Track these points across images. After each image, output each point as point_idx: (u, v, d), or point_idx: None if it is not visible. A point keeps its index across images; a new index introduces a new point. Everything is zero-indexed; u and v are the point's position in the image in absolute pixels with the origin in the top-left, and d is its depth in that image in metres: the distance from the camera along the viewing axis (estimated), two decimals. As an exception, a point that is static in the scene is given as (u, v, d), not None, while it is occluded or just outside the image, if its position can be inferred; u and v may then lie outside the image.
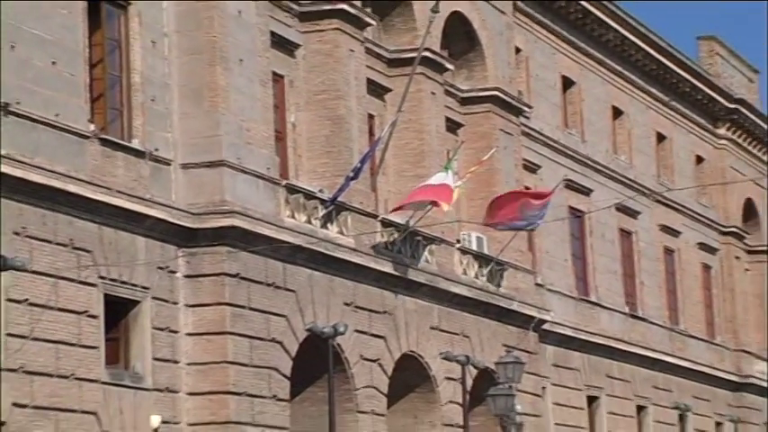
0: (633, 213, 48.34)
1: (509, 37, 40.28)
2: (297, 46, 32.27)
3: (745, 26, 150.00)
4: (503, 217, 35.75)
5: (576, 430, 42.98)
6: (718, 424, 52.69)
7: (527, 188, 39.78)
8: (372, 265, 32.29)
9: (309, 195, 30.65)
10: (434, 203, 33.16)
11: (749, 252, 56.54)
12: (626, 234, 48.17)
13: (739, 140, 56.43)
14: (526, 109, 40.63)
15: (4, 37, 24.26)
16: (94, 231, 25.57)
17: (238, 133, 28.43)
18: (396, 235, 33.45)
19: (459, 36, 37.70)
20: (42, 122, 24.73)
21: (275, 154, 30.31)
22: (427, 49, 35.23)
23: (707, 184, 53.19)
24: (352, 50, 32.76)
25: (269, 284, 28.62)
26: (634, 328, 47.40)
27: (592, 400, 44.32)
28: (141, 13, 27.44)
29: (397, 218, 33.74)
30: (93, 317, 25.40)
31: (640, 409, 47.21)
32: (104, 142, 26.27)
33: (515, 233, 37.64)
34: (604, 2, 46.12)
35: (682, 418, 48.43)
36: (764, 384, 55.48)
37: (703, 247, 53.64)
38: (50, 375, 24.11)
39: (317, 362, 28.95)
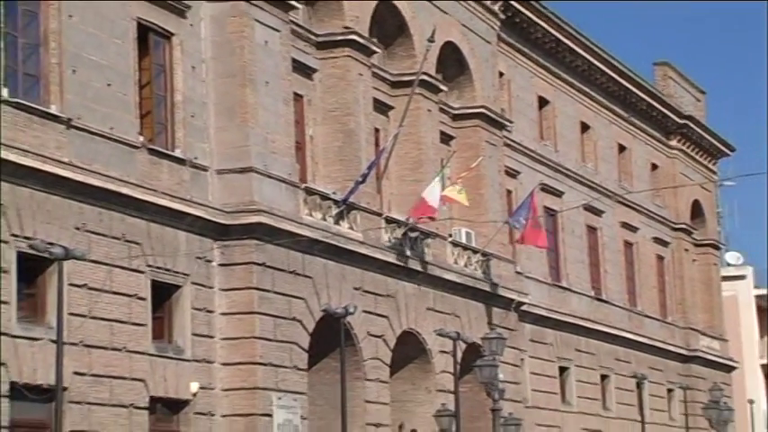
0: (598, 212, 48.30)
1: (493, 63, 40.41)
2: (314, 70, 32.41)
3: (695, 50, 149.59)
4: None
5: (549, 396, 42.96)
6: (670, 390, 52.63)
7: (509, 191, 39.87)
8: (378, 255, 32.41)
9: (324, 197, 30.82)
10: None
11: (696, 245, 56.52)
12: (592, 230, 48.15)
13: (688, 151, 56.44)
14: (508, 124, 40.66)
15: (67, 62, 24.48)
16: (143, 227, 25.78)
17: (264, 144, 28.55)
18: (397, 231, 33.60)
19: (452, 62, 37.73)
20: (99, 135, 24.96)
21: (296, 161, 30.42)
22: (424, 74, 35.31)
23: (660, 187, 53.19)
24: (360, 74, 32.95)
25: (290, 272, 28.77)
26: (598, 309, 47.40)
27: (563, 370, 44.36)
28: (183, 43, 27.67)
29: (399, 216, 33.88)
30: (142, 299, 25.66)
31: (604, 377, 47.19)
32: (151, 152, 26.53)
33: (498, 229, 37.96)
34: (574, 33, 46.12)
35: (639, 386, 48.29)
36: (709, 357, 55.51)
37: (657, 240, 53.62)
38: (106, 348, 24.39)
39: (330, 337, 28.96)
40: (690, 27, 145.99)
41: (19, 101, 23.27)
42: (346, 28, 32.50)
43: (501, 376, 34.19)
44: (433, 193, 33.10)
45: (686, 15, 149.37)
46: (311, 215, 30.01)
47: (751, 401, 65.28)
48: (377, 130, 34.28)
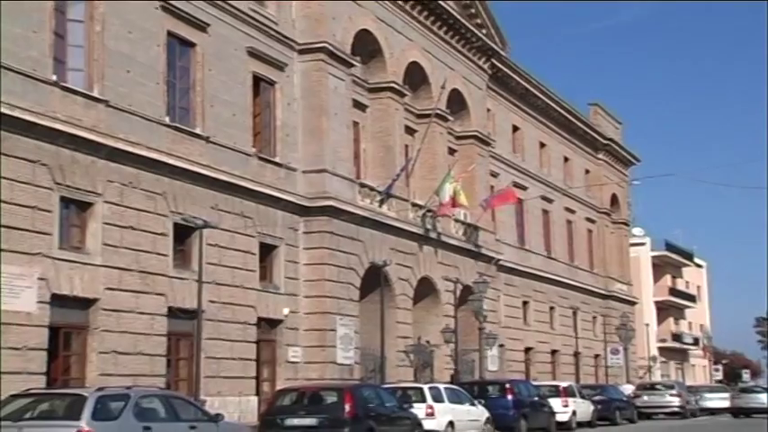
0: (550, 201, 48.10)
1: (483, 102, 40.15)
2: (366, 106, 32.33)
3: (618, 91, 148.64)
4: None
5: (516, 320, 42.90)
6: (594, 317, 52.29)
7: (492, 187, 39.88)
8: (406, 227, 32.29)
9: (371, 189, 30.73)
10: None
11: (613, 223, 56.16)
12: (546, 212, 47.99)
13: (609, 161, 56.14)
14: (492, 142, 40.39)
15: (207, 100, 24.57)
16: (254, 207, 25.81)
17: (333, 154, 28.52)
18: (419, 211, 33.50)
19: (456, 101, 37.42)
20: (227, 147, 25.07)
21: (353, 166, 30.41)
22: (438, 109, 35.27)
23: (591, 185, 52.96)
24: (396, 109, 32.84)
25: (348, 237, 28.71)
26: (549, 264, 47.35)
27: (525, 303, 44.28)
28: (282, 88, 27.65)
29: (420, 202, 33.68)
30: (253, 254, 25.71)
31: (551, 308, 47.09)
32: (260, 158, 26.58)
33: (484, 211, 37.97)
34: (536, 83, 45.82)
35: (574, 314, 48.32)
36: (620, 296, 55.49)
37: (588, 219, 53.43)
38: (229, 285, 24.50)
39: (374, 280, 29.04)
40: (617, 73, 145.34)
41: (177, 125, 23.50)
42: (388, 80, 32.39)
43: (485, 306, 34.46)
44: (444, 190, 32.90)
45: (617, 61, 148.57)
46: (363, 201, 29.96)
47: (647, 324, 65.60)
48: (406, 146, 34.13)
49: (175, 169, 22.83)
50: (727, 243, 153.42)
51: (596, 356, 51.78)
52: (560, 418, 29.05)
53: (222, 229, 24.03)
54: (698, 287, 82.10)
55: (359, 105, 31.54)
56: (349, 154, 29.78)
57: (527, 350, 44.13)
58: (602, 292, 53.88)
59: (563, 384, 32.49)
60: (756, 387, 47.74)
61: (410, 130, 34.88)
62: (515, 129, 45.37)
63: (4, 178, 18.48)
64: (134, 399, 13.42)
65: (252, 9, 26.39)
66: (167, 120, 23.10)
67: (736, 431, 30.55)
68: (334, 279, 27.83)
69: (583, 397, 32.52)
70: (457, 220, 36.45)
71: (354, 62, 29.97)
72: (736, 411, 41.44)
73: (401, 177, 31.87)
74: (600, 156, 55.18)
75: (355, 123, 31.14)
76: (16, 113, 18.68)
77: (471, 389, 26.04)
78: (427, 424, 21.18)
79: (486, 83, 40.40)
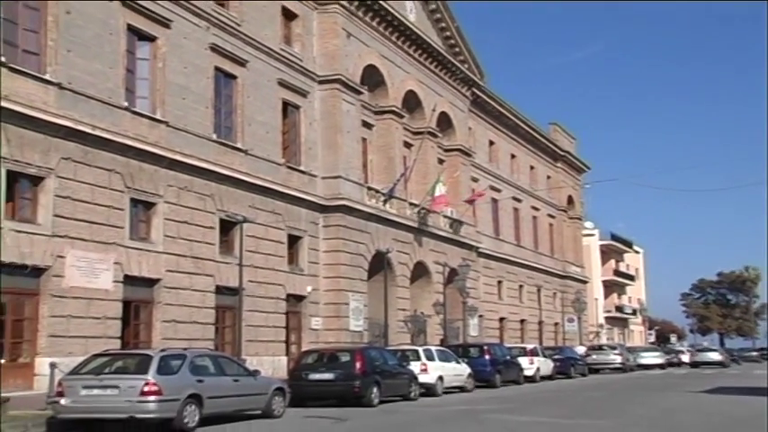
0: (519, 200, 47.94)
1: (466, 122, 39.97)
2: (372, 125, 32.22)
3: (574, 112, 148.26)
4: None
5: (492, 295, 42.74)
6: (554, 293, 52.11)
7: (473, 190, 39.86)
8: (404, 222, 32.19)
9: (377, 191, 30.63)
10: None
11: (570, 218, 55.83)
12: (516, 210, 47.85)
13: (566, 168, 55.94)
14: (473, 154, 40.33)
15: (245, 121, 24.49)
16: (283, 205, 25.76)
17: (346, 164, 28.44)
18: (415, 209, 33.42)
19: (444, 121, 37.29)
20: (261, 158, 25.02)
21: (362, 173, 30.37)
22: (430, 127, 35.20)
23: (551, 188, 52.81)
24: (396, 128, 32.76)
25: (358, 230, 28.62)
26: (518, 251, 47.11)
27: (499, 282, 44.19)
28: (305, 111, 27.56)
29: (416, 201, 33.54)
30: (282, 243, 25.67)
31: (520, 286, 46.83)
32: (288, 167, 26.50)
33: (468, 207, 37.96)
34: (508, 106, 45.64)
35: (539, 291, 48.33)
36: (575, 276, 55.29)
37: (549, 215, 53.18)
38: (264, 268, 24.48)
39: (379, 264, 29.01)
40: (577, 96, 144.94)
41: (222, 141, 23.48)
42: (390, 105, 32.31)
43: (468, 285, 34.48)
44: (437, 190, 32.96)
45: (578, 87, 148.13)
46: (369, 201, 29.91)
47: (596, 299, 65.35)
48: (404, 157, 34.00)
49: (221, 176, 22.87)
50: (659, 233, 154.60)
51: (556, 324, 51.71)
52: (527, 372, 29.05)
53: (258, 224, 24.04)
54: (636, 269, 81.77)
55: (366, 125, 31.48)
56: (359, 163, 29.75)
57: (501, 319, 44.02)
58: (561, 273, 53.73)
59: (529, 346, 32.56)
60: (709, 348, 50.42)
61: (407, 144, 34.81)
62: (491, 143, 45.21)
63: (87, 183, 18.63)
64: (189, 358, 13.45)
65: (281, 49, 26.42)
66: (214, 136, 23.13)
67: (661, 380, 30.51)
68: (347, 263, 27.80)
69: (545, 356, 32.51)
70: (445, 216, 36.37)
71: (363, 90, 29.93)
72: (693, 364, 46.77)
73: (400, 182, 31.85)
74: (558, 164, 55.01)
75: (363, 139, 31.09)
76: (97, 132, 18.81)
77: (457, 350, 26.02)
78: (422, 378, 21.19)
79: (468, 106, 40.27)
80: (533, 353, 31.17)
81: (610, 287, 72.92)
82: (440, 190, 32.77)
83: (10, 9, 17.36)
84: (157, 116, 21.05)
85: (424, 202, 33.57)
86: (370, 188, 30.22)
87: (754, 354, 68.44)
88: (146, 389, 12.18)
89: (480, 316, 38.84)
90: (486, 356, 26.21)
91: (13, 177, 17.11)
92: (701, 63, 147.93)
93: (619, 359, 40.50)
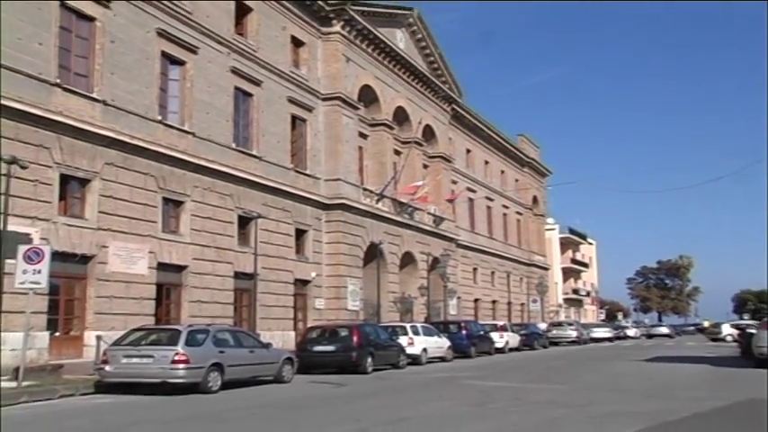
0: (491, 200, 47.96)
1: (447, 133, 39.97)
2: (367, 136, 32.17)
3: (539, 123, 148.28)
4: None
5: (469, 280, 42.84)
6: (521, 278, 52.34)
7: (452, 191, 39.90)
8: (394, 218, 32.20)
9: (371, 191, 30.61)
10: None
11: (535, 215, 55.97)
12: (489, 208, 47.91)
13: (531, 173, 56.03)
14: (452, 160, 40.39)
15: (260, 132, 24.51)
16: (291, 204, 25.71)
17: (346, 168, 28.42)
18: (403, 207, 33.42)
19: (428, 133, 37.37)
20: (273, 163, 24.97)
21: (359, 176, 30.35)
22: (416, 138, 35.26)
23: (519, 189, 53.00)
24: (388, 138, 32.78)
25: (355, 224, 28.62)
26: (491, 243, 46.98)
27: (474, 269, 44.32)
28: (311, 123, 27.53)
29: (404, 200, 33.55)
30: (290, 236, 25.61)
31: (492, 273, 46.71)
32: (296, 171, 26.45)
33: (448, 205, 37.99)
34: (483, 120, 45.78)
35: (508, 276, 48.29)
36: (538, 264, 55.36)
37: (518, 213, 53.26)
38: (275, 257, 24.47)
39: (373, 253, 29.02)
40: (543, 110, 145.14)
41: (240, 149, 23.49)
42: (382, 118, 32.27)
43: (448, 271, 34.56)
44: (421, 189, 33.16)
45: (536, 100, 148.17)
46: (365, 200, 29.90)
47: (556, 283, 65.30)
48: (394, 163, 34.02)
49: (239, 178, 22.89)
50: (609, 228, 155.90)
51: (522, 305, 51.80)
52: (498, 345, 29.18)
53: (270, 219, 24.11)
54: (590, 258, 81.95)
55: (362, 135, 31.48)
56: (356, 168, 29.78)
57: (476, 300, 44.15)
58: (526, 261, 53.89)
59: (500, 323, 32.65)
60: (660, 324, 52.31)
61: (397, 152, 34.80)
62: (468, 151, 45.28)
63: (126, 185, 18.69)
64: (212, 332, 13.55)
65: (291, 71, 26.43)
66: (234, 145, 23.16)
67: (610, 351, 30.79)
68: (346, 253, 27.83)
69: (513, 331, 32.69)
70: (429, 213, 36.50)
71: (359, 106, 29.97)
72: (648, 336, 51.78)
73: (391, 184, 31.92)
74: (525, 169, 55.15)
75: (360, 147, 31.10)
76: (135, 141, 18.88)
77: (438, 326, 26.06)
78: (409, 350, 21.29)
79: (449, 120, 40.32)
80: (503, 329, 31.32)
81: (567, 273, 73.15)
82: (422, 192, 32.81)
83: (65, 38, 17.42)
84: (186, 128, 21.11)
85: (411, 202, 33.55)
86: (365, 189, 30.24)
87: (691, 328, 71.59)
88: (176, 358, 12.29)
89: (458, 297, 38.99)
90: (464, 332, 26.30)
91: (65, 180, 17.20)
92: (643, 81, 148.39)
93: (575, 334, 40.94)
